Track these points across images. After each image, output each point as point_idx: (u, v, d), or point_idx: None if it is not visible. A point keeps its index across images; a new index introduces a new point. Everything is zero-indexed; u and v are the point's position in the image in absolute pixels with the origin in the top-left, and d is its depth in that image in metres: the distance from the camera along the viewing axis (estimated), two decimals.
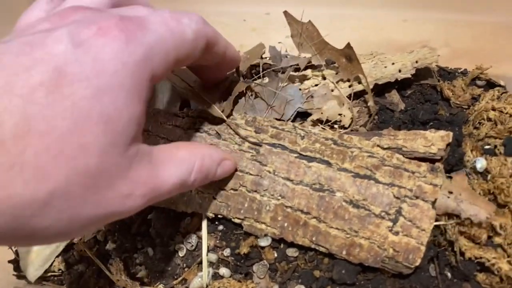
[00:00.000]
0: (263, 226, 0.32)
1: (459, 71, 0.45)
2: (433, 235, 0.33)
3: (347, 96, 0.38)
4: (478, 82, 0.42)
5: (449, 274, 0.32)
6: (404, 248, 0.29)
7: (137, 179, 0.22)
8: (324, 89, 0.38)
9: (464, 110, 0.40)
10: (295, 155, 0.32)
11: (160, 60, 0.22)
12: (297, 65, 0.40)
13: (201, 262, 0.34)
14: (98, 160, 0.19)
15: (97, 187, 0.20)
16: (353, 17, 0.54)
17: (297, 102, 0.38)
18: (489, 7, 0.49)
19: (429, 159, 0.32)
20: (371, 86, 0.38)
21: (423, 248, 0.29)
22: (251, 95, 0.38)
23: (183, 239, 0.35)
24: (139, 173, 0.22)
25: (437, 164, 0.31)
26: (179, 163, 0.25)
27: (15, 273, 0.41)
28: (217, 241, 0.34)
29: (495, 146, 0.37)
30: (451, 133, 0.32)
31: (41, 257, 0.39)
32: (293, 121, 0.38)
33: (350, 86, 0.39)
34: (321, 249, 0.31)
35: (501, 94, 0.40)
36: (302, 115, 0.39)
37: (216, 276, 0.34)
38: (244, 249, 0.33)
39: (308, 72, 0.40)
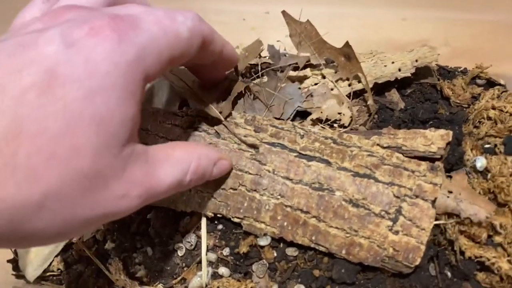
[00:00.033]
0: (263, 226, 0.32)
1: (459, 70, 0.45)
2: (433, 234, 0.33)
3: (346, 95, 0.38)
4: (478, 81, 0.42)
5: (449, 273, 0.32)
6: (404, 247, 0.29)
7: (132, 180, 0.22)
8: (324, 88, 0.38)
9: (464, 109, 0.40)
10: (295, 154, 0.32)
11: (153, 60, 0.22)
12: (296, 63, 0.40)
13: (200, 262, 0.34)
14: (91, 161, 0.19)
15: (91, 189, 0.20)
16: (352, 16, 0.54)
17: (297, 101, 0.38)
18: (489, 6, 0.49)
19: (429, 158, 0.32)
20: (370, 85, 0.38)
21: (423, 247, 0.29)
22: (250, 94, 0.38)
23: (182, 238, 0.35)
24: (134, 174, 0.22)
25: (437, 163, 0.31)
26: (175, 163, 0.25)
27: (14, 272, 0.41)
28: (217, 241, 0.34)
29: (495, 145, 0.37)
30: (451, 132, 0.32)
31: (40, 257, 0.39)
32: (292, 120, 0.38)
33: (349, 85, 0.38)
34: (321, 248, 0.31)
35: (501, 93, 0.40)
36: (301, 114, 0.39)
37: (215, 276, 0.34)
38: (243, 249, 0.33)
39: (307, 71, 0.40)
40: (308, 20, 0.39)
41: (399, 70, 0.39)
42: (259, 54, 0.40)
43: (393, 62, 0.39)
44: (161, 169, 0.24)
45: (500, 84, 0.42)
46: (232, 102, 0.35)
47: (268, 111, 0.37)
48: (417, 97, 0.41)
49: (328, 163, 0.32)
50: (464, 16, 0.50)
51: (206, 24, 0.26)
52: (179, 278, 0.34)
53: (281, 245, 0.33)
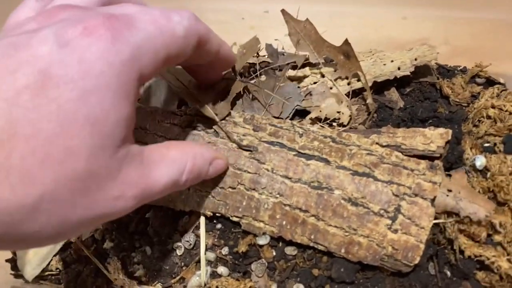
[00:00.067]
0: (262, 225, 0.32)
1: (459, 68, 0.45)
2: (433, 233, 0.32)
3: (345, 94, 0.38)
4: (478, 80, 0.42)
5: (448, 273, 0.32)
6: (403, 246, 0.29)
7: (128, 181, 0.22)
8: (323, 86, 0.38)
9: (464, 108, 0.40)
10: (294, 153, 0.32)
11: (148, 59, 0.22)
12: (294, 62, 0.40)
13: (199, 261, 0.34)
14: (86, 162, 0.19)
15: (86, 190, 0.20)
16: (352, 14, 0.54)
17: (296, 100, 0.38)
18: (489, 5, 0.49)
19: (428, 157, 0.32)
20: (370, 84, 0.38)
21: (422, 246, 0.29)
22: (249, 94, 0.38)
23: (181, 237, 0.35)
24: (129, 175, 0.22)
25: (436, 161, 0.31)
26: (170, 163, 0.25)
27: (12, 272, 0.41)
28: (215, 240, 0.34)
29: (495, 144, 0.36)
30: (450, 131, 0.32)
31: (38, 256, 0.39)
32: (291, 119, 0.38)
33: (348, 84, 0.38)
34: (320, 247, 0.31)
35: (501, 92, 0.40)
36: (300, 113, 0.38)
37: (214, 275, 0.34)
38: (242, 248, 0.33)
39: (306, 70, 0.40)
40: (307, 18, 0.39)
41: (399, 68, 0.39)
42: (257, 53, 0.40)
43: (392, 61, 0.39)
44: (157, 169, 0.24)
45: (499, 83, 0.42)
46: (231, 102, 0.35)
47: (267, 110, 0.37)
48: (417, 96, 0.41)
49: (327, 161, 0.31)
50: (465, 14, 0.50)
51: (202, 23, 0.26)
52: (178, 278, 0.34)
53: (280, 244, 0.33)
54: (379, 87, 0.40)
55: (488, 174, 0.34)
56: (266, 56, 0.43)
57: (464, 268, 0.31)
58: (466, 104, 0.40)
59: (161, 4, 0.26)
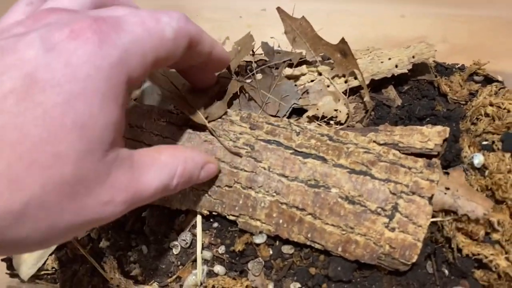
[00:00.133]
0: (258, 223, 0.32)
1: (457, 66, 0.45)
2: (430, 232, 0.32)
3: (343, 92, 0.37)
4: (476, 78, 0.42)
5: (446, 271, 0.32)
6: (400, 244, 0.29)
7: (117, 185, 0.22)
8: (320, 85, 0.38)
9: (462, 105, 0.40)
10: (290, 151, 0.32)
11: (137, 62, 0.21)
12: (290, 60, 0.40)
13: (195, 260, 0.34)
14: (74, 168, 0.19)
15: (75, 195, 0.20)
16: (350, 13, 0.53)
17: (292, 98, 0.37)
18: (487, 2, 0.49)
19: (426, 155, 0.31)
20: (367, 82, 0.38)
21: (419, 245, 0.28)
22: (246, 93, 0.38)
23: (177, 236, 0.34)
24: (119, 179, 0.22)
25: (434, 159, 0.31)
26: (161, 167, 0.25)
27: (8, 271, 0.40)
28: (212, 239, 0.34)
29: (493, 142, 0.36)
30: (447, 129, 0.32)
31: (34, 256, 0.39)
32: (288, 117, 0.37)
33: (345, 82, 0.38)
34: (317, 246, 0.31)
35: (499, 90, 0.40)
36: (297, 112, 0.38)
37: (210, 274, 0.33)
38: (239, 247, 0.33)
39: (303, 68, 0.40)
40: (303, 16, 0.39)
41: (396, 66, 0.38)
42: (252, 51, 0.40)
43: (389, 59, 0.39)
44: (147, 173, 0.24)
45: (497, 81, 0.42)
46: (228, 102, 0.35)
47: (263, 110, 0.37)
48: (414, 94, 0.40)
49: (324, 160, 0.31)
50: (463, 12, 0.50)
51: (193, 24, 0.26)
52: (174, 277, 0.34)
53: (277, 243, 0.33)
54: (377, 85, 0.40)
55: (486, 172, 0.34)
56: (263, 55, 0.42)
57: (462, 266, 0.31)
58: (464, 102, 0.40)
59: (158, 2, 0.26)
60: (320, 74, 0.39)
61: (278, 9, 0.39)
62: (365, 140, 0.32)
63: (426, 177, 0.30)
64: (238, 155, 0.32)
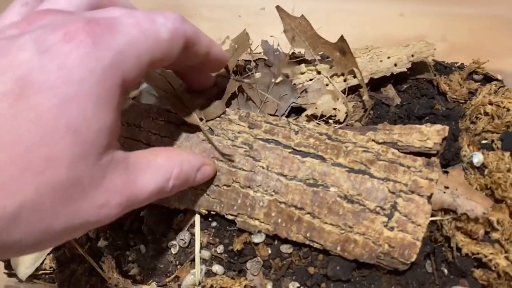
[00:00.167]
0: (257, 223, 0.32)
1: (456, 65, 0.44)
2: (430, 231, 0.32)
3: (341, 91, 0.37)
4: (475, 77, 0.42)
5: (445, 270, 0.32)
6: (399, 243, 0.29)
7: (112, 188, 0.21)
8: (318, 83, 0.38)
9: (461, 104, 0.40)
10: (289, 150, 0.32)
11: (131, 64, 0.21)
12: (289, 59, 0.40)
13: (194, 259, 0.33)
14: (68, 171, 0.19)
15: (69, 199, 0.19)
16: (349, 11, 0.53)
17: (291, 97, 0.37)
18: (487, 1, 0.49)
19: (425, 154, 0.31)
20: (366, 81, 0.38)
21: (418, 244, 0.28)
22: (244, 93, 0.38)
23: (175, 236, 0.34)
24: (114, 182, 0.22)
25: (433, 158, 0.31)
26: (157, 169, 0.25)
27: (6, 271, 0.40)
28: (210, 238, 0.34)
29: (492, 141, 0.36)
30: (447, 127, 0.31)
31: (32, 255, 0.39)
32: (287, 116, 0.37)
33: (344, 81, 0.38)
34: (316, 245, 0.31)
35: (498, 88, 0.39)
36: (296, 111, 0.38)
37: (209, 273, 0.33)
38: (237, 246, 0.32)
39: (302, 66, 0.40)
40: (302, 15, 0.38)
41: (395, 65, 0.38)
42: (250, 49, 0.40)
43: (389, 57, 0.39)
44: (143, 176, 0.24)
45: (497, 80, 0.41)
46: (226, 102, 0.35)
47: (262, 108, 0.37)
48: (413, 93, 0.40)
49: (322, 159, 0.31)
50: (462, 10, 0.50)
51: (189, 24, 0.25)
52: (172, 276, 0.34)
53: (276, 242, 0.33)
54: (376, 84, 0.40)
55: (486, 171, 0.34)
56: (262, 53, 0.42)
57: (461, 266, 0.31)
58: (463, 101, 0.40)
59: (157, 1, 0.26)
60: (319, 72, 0.39)
61: (278, 7, 0.39)
62: (364, 139, 0.32)
63: (425, 176, 0.30)
64: (230, 159, 0.32)
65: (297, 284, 0.31)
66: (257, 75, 0.39)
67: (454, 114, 0.37)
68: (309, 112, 0.36)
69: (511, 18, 0.48)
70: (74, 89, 0.19)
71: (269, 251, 0.33)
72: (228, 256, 0.33)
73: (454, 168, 0.34)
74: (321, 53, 0.40)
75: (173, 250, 0.34)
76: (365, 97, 0.37)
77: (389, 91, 0.40)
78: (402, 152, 0.31)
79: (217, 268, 0.33)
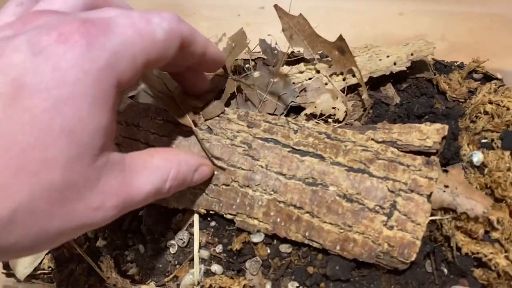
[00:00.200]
0: (256, 222, 0.32)
1: (456, 64, 0.44)
2: (429, 230, 0.32)
3: (341, 90, 0.37)
4: (475, 76, 0.42)
5: (445, 270, 0.32)
6: (399, 242, 0.28)
7: (108, 190, 0.21)
8: (318, 82, 0.37)
9: (461, 103, 0.40)
10: (288, 149, 0.32)
11: (126, 65, 0.21)
12: (289, 58, 0.40)
13: (192, 259, 0.33)
14: (63, 173, 0.19)
15: (64, 201, 0.19)
16: (349, 10, 0.53)
17: (290, 96, 0.37)
18: (487, 0, 0.49)
19: (425, 153, 0.31)
20: (365, 79, 0.38)
21: (418, 243, 0.28)
22: (242, 93, 0.37)
23: (174, 235, 0.34)
24: (109, 184, 0.21)
25: (432, 157, 0.31)
26: (154, 170, 0.25)
27: (4, 271, 0.40)
28: (209, 238, 0.34)
29: (492, 140, 0.36)
30: (446, 126, 0.31)
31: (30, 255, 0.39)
32: (286, 115, 0.37)
33: (344, 80, 0.38)
34: (315, 244, 0.30)
35: (498, 87, 0.39)
36: (295, 110, 0.38)
37: (208, 273, 0.33)
38: (236, 246, 0.32)
39: (301, 66, 0.39)
40: (300, 14, 0.38)
41: (395, 64, 0.38)
42: (248, 48, 0.39)
43: (388, 56, 0.39)
44: (139, 177, 0.24)
45: (497, 78, 0.41)
46: (226, 102, 0.35)
47: (261, 107, 0.37)
48: (413, 92, 0.40)
49: (321, 158, 0.31)
50: (462, 10, 0.50)
51: (185, 24, 0.25)
52: (171, 276, 0.34)
53: (275, 241, 0.33)
54: (375, 83, 0.40)
55: (486, 170, 0.34)
56: (261, 53, 0.42)
57: (461, 265, 0.31)
58: (463, 100, 0.40)
59: (156, 1, 0.26)
60: (318, 72, 0.39)
61: (276, 6, 0.39)
62: (363, 138, 0.32)
63: (425, 175, 0.29)
64: (222, 168, 0.32)
65: (296, 284, 0.31)
66: (256, 74, 0.39)
67: (454, 113, 0.37)
68: (308, 111, 0.36)
69: (511, 17, 0.48)
70: (69, 91, 0.18)
71: (268, 251, 0.32)
72: (227, 256, 0.33)
73: (454, 167, 0.34)
74: (320, 52, 0.40)
75: (172, 250, 0.34)
76: (365, 96, 0.37)
77: (389, 90, 0.40)
78: (401, 151, 0.31)
79: (216, 267, 0.33)
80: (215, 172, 0.32)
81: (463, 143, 0.35)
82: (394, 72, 0.38)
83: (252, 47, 0.41)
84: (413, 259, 0.28)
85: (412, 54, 0.38)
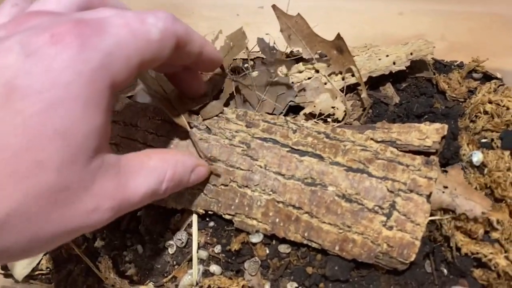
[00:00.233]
0: (254, 222, 0.31)
1: (455, 64, 0.44)
2: (429, 231, 0.32)
3: (340, 89, 0.37)
4: (475, 75, 0.42)
5: (445, 270, 0.31)
6: (398, 243, 0.28)
7: (103, 193, 0.21)
8: (317, 82, 0.37)
9: (460, 103, 0.39)
10: (287, 149, 0.31)
11: (121, 66, 0.21)
12: (287, 57, 0.39)
13: (191, 259, 0.33)
14: (57, 176, 0.18)
15: (58, 204, 0.19)
16: (348, 10, 0.53)
17: (289, 96, 0.37)
18: None
19: (424, 152, 0.31)
20: (364, 79, 0.38)
21: (417, 243, 0.28)
22: (240, 93, 0.37)
23: (173, 236, 0.34)
24: (104, 186, 0.21)
25: (432, 157, 0.30)
26: (150, 171, 0.24)
27: (2, 272, 0.40)
28: (208, 238, 0.34)
29: (492, 140, 0.36)
30: (446, 126, 0.31)
31: None
32: (285, 115, 0.37)
33: (343, 79, 0.38)
34: (314, 245, 0.30)
35: (498, 87, 0.39)
36: (294, 109, 0.38)
37: (206, 274, 0.33)
38: (235, 246, 0.32)
39: (300, 65, 0.39)
40: (298, 13, 0.38)
41: (394, 63, 0.38)
42: (247, 48, 0.39)
43: (387, 56, 0.39)
44: (135, 178, 0.23)
45: (496, 78, 0.41)
46: (225, 102, 0.34)
47: (260, 107, 0.37)
48: (412, 91, 0.40)
49: (320, 158, 0.31)
50: (462, 9, 0.49)
51: (181, 24, 0.25)
52: (169, 276, 0.33)
53: (274, 242, 0.32)
54: (374, 82, 0.40)
55: (485, 170, 0.34)
56: (260, 52, 0.42)
57: (461, 265, 0.31)
58: (463, 100, 0.40)
59: (156, 1, 0.26)
60: (317, 71, 0.39)
61: (274, 6, 0.39)
62: (363, 137, 0.32)
63: (424, 175, 0.29)
64: (217, 175, 0.32)
65: (295, 284, 0.31)
66: (254, 74, 0.38)
67: (454, 113, 0.37)
68: (307, 110, 0.36)
69: (510, 17, 0.48)
70: (62, 92, 0.18)
71: (267, 251, 0.32)
72: (225, 256, 0.33)
73: (453, 167, 0.34)
74: (319, 51, 0.39)
75: (170, 250, 0.34)
76: (363, 94, 0.37)
77: (388, 89, 0.40)
78: (401, 151, 0.31)
79: (214, 268, 0.33)
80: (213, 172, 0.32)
81: (463, 143, 0.35)
82: (393, 72, 0.38)
83: (251, 47, 0.40)
84: (412, 259, 0.28)
85: (411, 54, 0.38)
